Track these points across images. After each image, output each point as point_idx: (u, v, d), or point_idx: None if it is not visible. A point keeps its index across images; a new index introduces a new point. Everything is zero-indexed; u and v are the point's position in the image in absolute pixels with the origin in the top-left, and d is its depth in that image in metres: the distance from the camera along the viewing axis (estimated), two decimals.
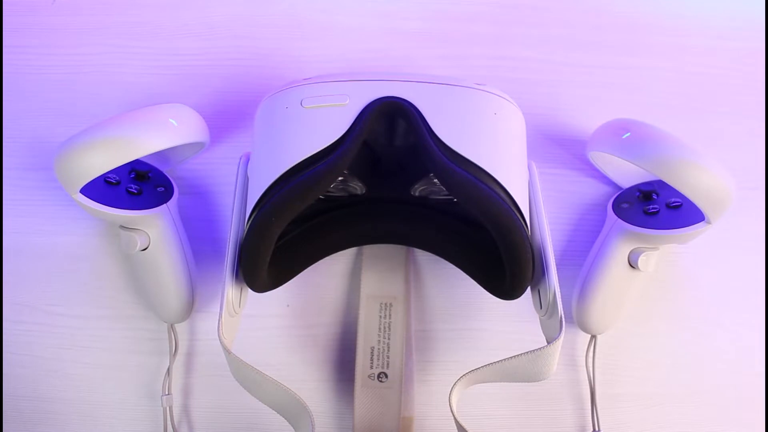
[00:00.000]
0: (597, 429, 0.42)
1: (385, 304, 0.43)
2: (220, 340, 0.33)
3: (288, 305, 0.44)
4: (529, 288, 0.35)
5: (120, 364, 0.43)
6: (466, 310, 0.44)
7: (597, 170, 0.44)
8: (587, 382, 0.43)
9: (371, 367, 0.42)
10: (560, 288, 0.34)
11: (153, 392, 0.43)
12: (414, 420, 0.42)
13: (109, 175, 0.40)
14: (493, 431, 0.43)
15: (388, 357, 0.42)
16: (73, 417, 0.43)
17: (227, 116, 0.46)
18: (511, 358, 0.33)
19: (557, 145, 0.46)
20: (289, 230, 0.40)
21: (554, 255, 0.36)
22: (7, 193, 0.45)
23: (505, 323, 0.44)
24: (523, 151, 0.37)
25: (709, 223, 0.37)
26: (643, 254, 0.39)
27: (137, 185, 0.41)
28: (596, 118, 0.43)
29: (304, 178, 0.32)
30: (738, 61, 0.48)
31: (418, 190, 0.41)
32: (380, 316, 0.42)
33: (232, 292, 0.35)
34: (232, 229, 0.36)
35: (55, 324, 0.43)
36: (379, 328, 0.42)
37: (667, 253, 0.44)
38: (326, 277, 0.44)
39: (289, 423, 0.36)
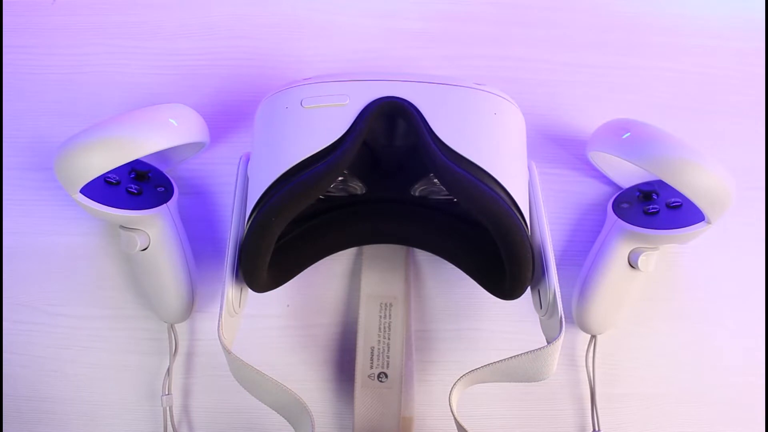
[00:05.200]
0: (597, 429, 0.42)
1: (385, 304, 0.43)
2: (220, 340, 0.33)
3: (288, 305, 0.44)
4: (529, 288, 0.35)
5: (120, 364, 0.43)
6: (466, 310, 0.44)
7: (597, 170, 0.44)
8: (587, 382, 0.43)
9: (371, 367, 0.42)
10: (560, 288, 0.34)
11: (153, 392, 0.43)
12: (414, 420, 0.42)
13: (109, 175, 0.40)
14: (493, 431, 0.43)
15: (388, 357, 0.42)
16: (73, 417, 0.43)
17: (227, 116, 0.46)
18: (511, 358, 0.33)
19: (557, 145, 0.46)
20: (289, 230, 0.40)
21: (554, 255, 0.36)
22: (7, 193, 0.45)
23: (505, 323, 0.44)
24: (523, 151, 0.37)
25: (709, 223, 0.37)
26: (643, 254, 0.39)
27: (137, 185, 0.41)
28: (596, 118, 0.43)
29: (304, 178, 0.32)
30: (738, 61, 0.48)
31: (418, 190, 0.41)
32: (380, 316, 0.42)
33: (232, 292, 0.35)
34: (232, 229, 0.36)
35: (55, 324, 0.43)
36: (379, 328, 0.42)
37: (667, 253, 0.44)
38: (326, 277, 0.44)
39: (289, 423, 0.36)
